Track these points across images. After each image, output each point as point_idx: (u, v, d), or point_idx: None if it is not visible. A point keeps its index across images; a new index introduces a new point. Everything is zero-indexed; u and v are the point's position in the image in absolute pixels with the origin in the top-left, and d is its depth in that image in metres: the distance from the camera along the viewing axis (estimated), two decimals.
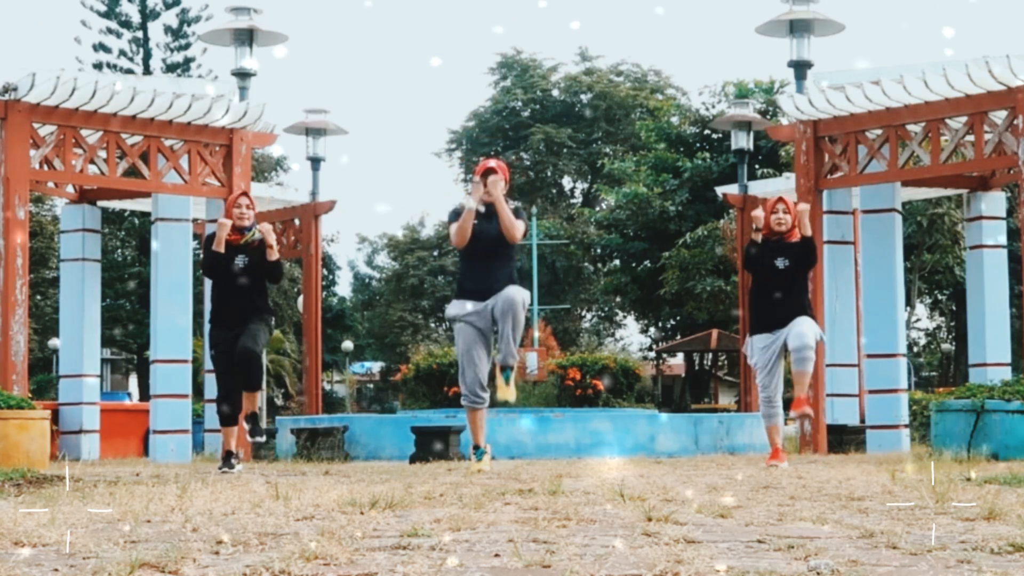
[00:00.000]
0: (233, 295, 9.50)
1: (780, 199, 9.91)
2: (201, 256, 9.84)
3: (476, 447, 8.90)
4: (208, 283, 15.52)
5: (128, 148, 13.69)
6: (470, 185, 8.95)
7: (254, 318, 9.49)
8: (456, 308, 8.84)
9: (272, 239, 9.49)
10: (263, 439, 9.17)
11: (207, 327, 9.90)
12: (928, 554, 3.46)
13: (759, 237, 9.79)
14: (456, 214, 8.86)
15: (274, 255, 9.50)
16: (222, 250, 9.48)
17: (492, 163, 8.94)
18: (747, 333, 10.12)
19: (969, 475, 6.95)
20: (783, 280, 9.71)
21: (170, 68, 39.99)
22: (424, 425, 12.40)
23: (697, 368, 39.62)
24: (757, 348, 9.81)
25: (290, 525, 4.44)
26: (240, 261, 9.50)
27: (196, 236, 17.71)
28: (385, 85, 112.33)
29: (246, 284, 9.47)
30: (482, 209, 8.75)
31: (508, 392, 8.79)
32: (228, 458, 9.45)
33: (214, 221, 14.87)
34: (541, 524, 4.37)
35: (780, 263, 9.71)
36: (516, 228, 8.75)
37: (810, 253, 9.76)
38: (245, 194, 9.71)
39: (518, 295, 8.69)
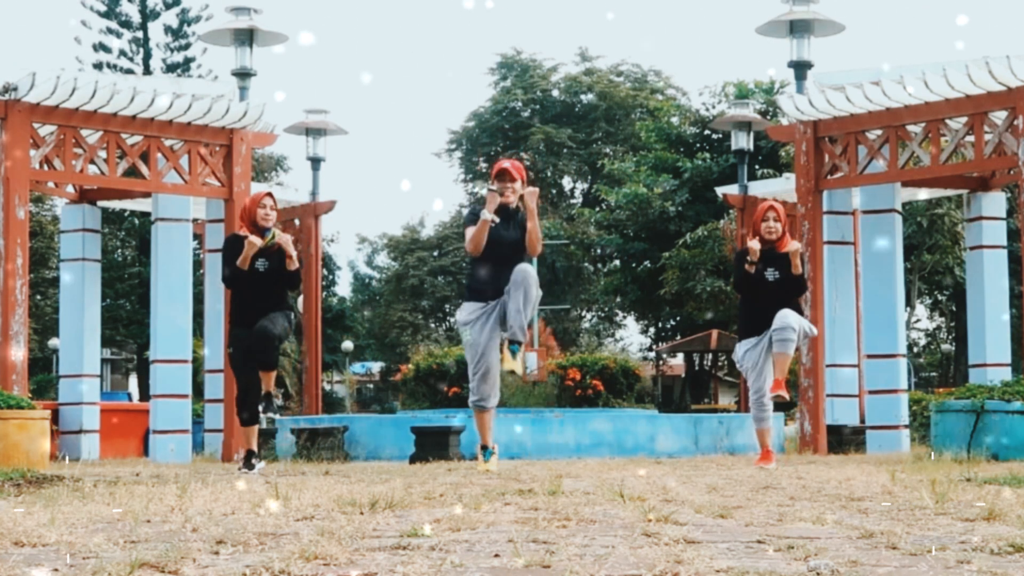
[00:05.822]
0: (252, 298, 9.37)
1: (771, 206, 9.73)
2: (222, 268, 9.75)
3: (484, 447, 8.81)
4: (208, 285, 15.55)
5: (128, 148, 13.69)
6: (487, 189, 8.77)
7: (274, 311, 9.45)
8: (466, 313, 8.67)
9: (292, 250, 9.40)
10: (277, 415, 9.08)
11: (221, 327, 9.83)
12: (928, 554, 3.46)
13: (752, 269, 9.62)
14: (473, 216, 8.67)
15: (294, 265, 9.38)
16: (246, 267, 9.38)
17: (506, 164, 8.69)
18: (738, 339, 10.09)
19: (969, 475, 6.95)
20: (772, 291, 9.60)
21: (170, 68, 39.98)
22: (424, 425, 12.40)
23: (697, 368, 39.60)
24: (744, 350, 9.76)
25: (290, 525, 4.44)
26: (260, 265, 9.36)
27: (196, 236, 17.71)
28: (385, 85, 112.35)
29: (265, 287, 9.38)
30: (496, 220, 8.55)
31: (515, 364, 8.59)
32: (249, 458, 9.37)
33: (214, 221, 14.92)
34: (541, 524, 4.37)
35: (770, 275, 9.59)
36: (540, 243, 8.62)
37: (799, 283, 9.68)
38: (270, 195, 9.51)
39: (531, 269, 8.56)
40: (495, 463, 8.74)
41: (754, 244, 9.58)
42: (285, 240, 9.41)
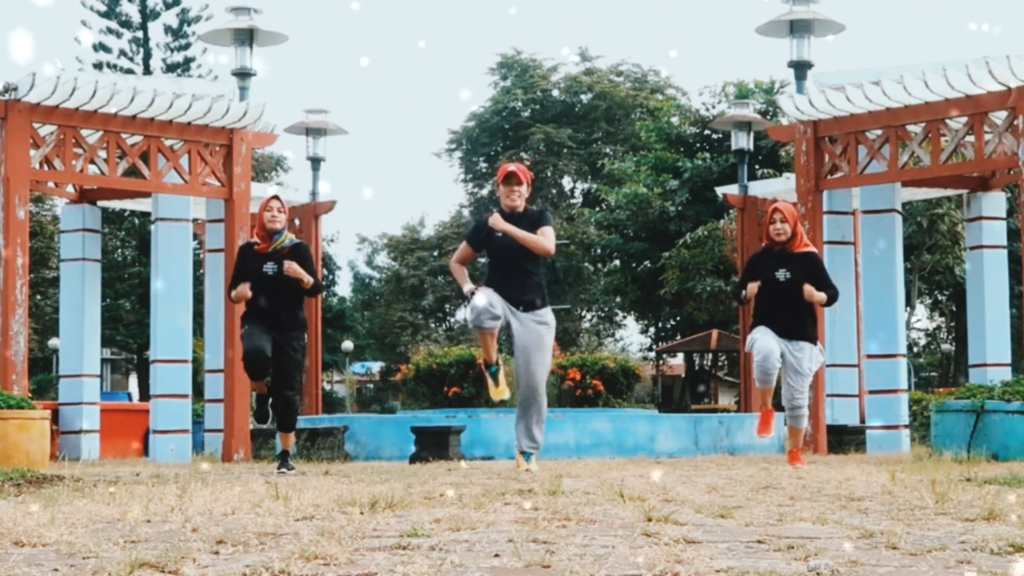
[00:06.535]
0: (264, 303, 9.32)
1: (776, 208, 9.49)
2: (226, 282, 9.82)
3: (488, 364, 8.77)
4: (208, 285, 15.54)
5: (128, 148, 13.69)
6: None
7: (287, 337, 9.32)
8: (484, 296, 8.51)
9: (303, 275, 9.32)
10: (291, 472, 9.09)
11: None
12: (928, 554, 3.46)
13: (745, 299, 9.51)
14: (477, 229, 8.75)
15: (308, 283, 9.37)
16: (239, 303, 9.45)
17: (512, 167, 8.69)
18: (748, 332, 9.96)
19: (969, 475, 6.95)
20: (784, 293, 9.37)
21: (170, 68, 39.98)
22: (424, 425, 12.40)
23: (697, 368, 39.59)
24: (756, 335, 9.49)
25: (290, 525, 4.44)
26: (269, 269, 9.32)
27: (196, 236, 17.71)
28: (385, 85, 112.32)
29: (275, 291, 9.32)
30: (473, 290, 8.58)
31: (532, 465, 8.75)
32: (263, 403, 9.41)
33: (214, 221, 14.93)
34: (541, 524, 4.37)
35: (781, 275, 9.37)
36: (543, 245, 8.56)
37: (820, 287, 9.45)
38: (276, 197, 9.49)
39: (540, 383, 8.59)
40: (504, 383, 8.76)
41: (752, 287, 9.42)
42: (294, 269, 9.30)
